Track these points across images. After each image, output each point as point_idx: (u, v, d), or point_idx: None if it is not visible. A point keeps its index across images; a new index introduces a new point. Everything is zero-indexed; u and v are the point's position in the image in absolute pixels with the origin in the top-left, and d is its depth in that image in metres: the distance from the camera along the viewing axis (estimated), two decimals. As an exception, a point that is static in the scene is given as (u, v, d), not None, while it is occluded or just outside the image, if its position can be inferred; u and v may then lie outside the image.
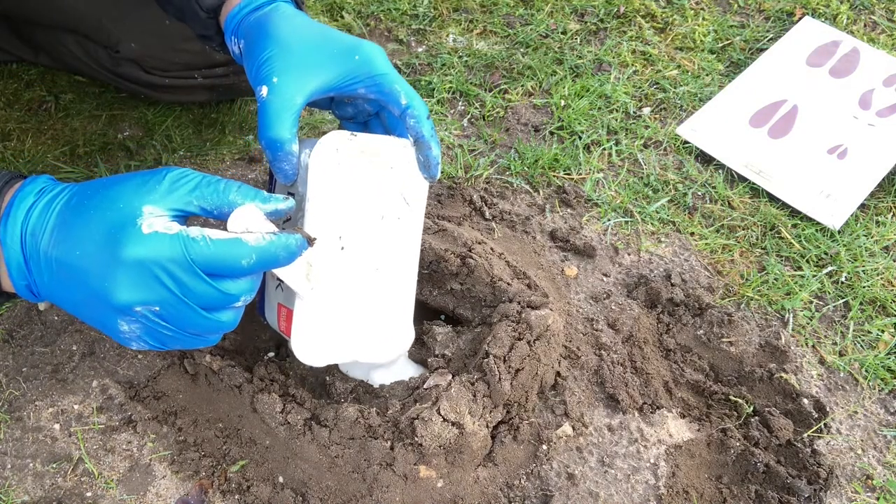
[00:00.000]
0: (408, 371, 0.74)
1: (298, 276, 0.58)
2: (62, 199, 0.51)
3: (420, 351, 0.77)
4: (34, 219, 0.50)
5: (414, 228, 0.67)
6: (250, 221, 0.51)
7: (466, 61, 1.16)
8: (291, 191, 0.64)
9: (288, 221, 0.66)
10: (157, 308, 0.48)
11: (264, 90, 0.57)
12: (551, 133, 1.06)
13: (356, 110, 0.68)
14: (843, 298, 0.90)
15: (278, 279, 0.64)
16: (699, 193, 1.00)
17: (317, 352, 0.64)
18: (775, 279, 0.91)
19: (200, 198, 0.51)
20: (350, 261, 0.63)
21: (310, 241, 0.54)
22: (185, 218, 0.51)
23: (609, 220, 0.96)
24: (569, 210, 0.97)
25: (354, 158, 0.61)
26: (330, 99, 0.68)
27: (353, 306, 0.64)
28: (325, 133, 1.04)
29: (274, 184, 0.69)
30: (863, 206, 0.99)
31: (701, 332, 0.84)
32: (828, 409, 0.79)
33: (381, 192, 0.63)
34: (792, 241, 0.95)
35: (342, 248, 0.62)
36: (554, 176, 1.00)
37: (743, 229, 0.96)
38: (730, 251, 0.94)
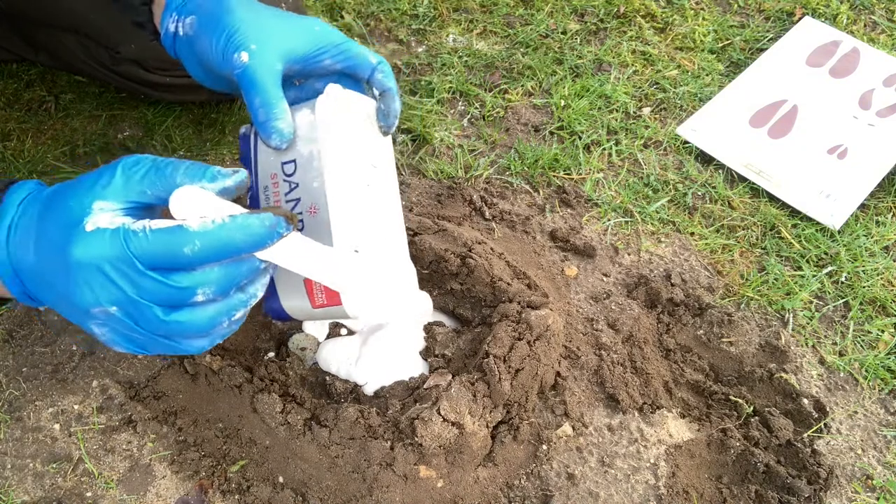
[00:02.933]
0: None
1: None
2: (37, 206, 0.50)
3: (420, 351, 0.78)
4: (18, 228, 0.49)
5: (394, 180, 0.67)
6: (197, 205, 0.46)
7: (466, 61, 1.16)
8: (288, 157, 0.61)
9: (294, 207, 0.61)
10: (114, 309, 0.45)
11: (244, 56, 0.56)
12: (551, 133, 1.06)
13: (300, 94, 0.65)
14: (843, 298, 0.90)
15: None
16: (699, 193, 1.00)
17: (369, 305, 0.60)
18: (775, 279, 0.91)
19: (151, 185, 0.47)
20: (377, 206, 0.62)
21: (291, 220, 0.47)
22: (146, 210, 0.48)
23: (609, 220, 0.96)
24: (569, 210, 0.97)
25: (353, 112, 0.62)
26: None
27: (381, 256, 0.63)
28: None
29: (256, 163, 0.65)
30: (863, 206, 0.99)
31: (701, 332, 0.84)
32: (828, 409, 0.79)
33: (372, 142, 0.65)
34: (792, 241, 0.95)
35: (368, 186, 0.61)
36: (554, 176, 1.00)
37: (743, 229, 0.96)
38: (730, 251, 0.94)
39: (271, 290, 0.65)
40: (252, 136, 0.65)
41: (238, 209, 0.47)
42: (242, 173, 0.49)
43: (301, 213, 0.61)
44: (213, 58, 0.59)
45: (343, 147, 0.60)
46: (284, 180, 0.62)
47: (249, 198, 0.65)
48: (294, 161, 0.61)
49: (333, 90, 0.60)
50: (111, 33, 0.90)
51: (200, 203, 0.46)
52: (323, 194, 0.59)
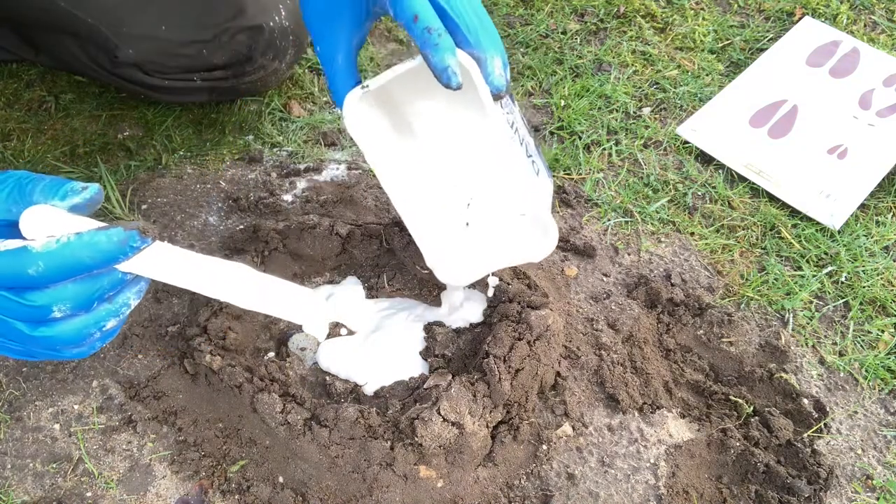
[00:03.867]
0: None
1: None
2: None
3: (420, 351, 0.78)
4: None
5: (488, 122, 0.62)
6: (46, 223, 0.46)
7: (466, 61, 1.16)
8: None
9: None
10: None
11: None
12: (551, 133, 1.06)
13: None
14: (843, 298, 0.90)
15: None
16: (699, 193, 1.00)
17: (458, 268, 0.66)
18: (775, 279, 0.91)
19: (15, 203, 0.47)
20: (442, 183, 0.66)
21: (145, 232, 0.47)
22: (15, 226, 0.48)
23: (609, 220, 0.96)
24: (569, 210, 0.97)
25: (374, 109, 0.64)
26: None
27: (472, 216, 0.67)
28: (325, 132, 1.04)
29: None
30: (863, 206, 0.99)
31: (701, 332, 0.84)
32: (828, 409, 0.79)
33: (425, 113, 0.67)
34: (792, 241, 0.95)
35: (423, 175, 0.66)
36: (554, 176, 1.00)
37: (743, 229, 0.96)
38: (730, 251, 0.94)
39: None
40: None
41: (90, 225, 0.47)
42: (93, 188, 0.49)
43: None
44: None
45: (375, 154, 0.64)
46: None
47: None
48: None
49: (347, 104, 0.62)
50: (108, 38, 0.91)
51: (50, 222, 0.46)
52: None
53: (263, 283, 0.55)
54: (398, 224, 0.84)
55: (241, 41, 0.93)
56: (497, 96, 0.58)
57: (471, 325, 0.80)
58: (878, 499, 0.74)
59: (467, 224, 0.68)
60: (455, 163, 0.67)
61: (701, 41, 1.21)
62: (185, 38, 0.91)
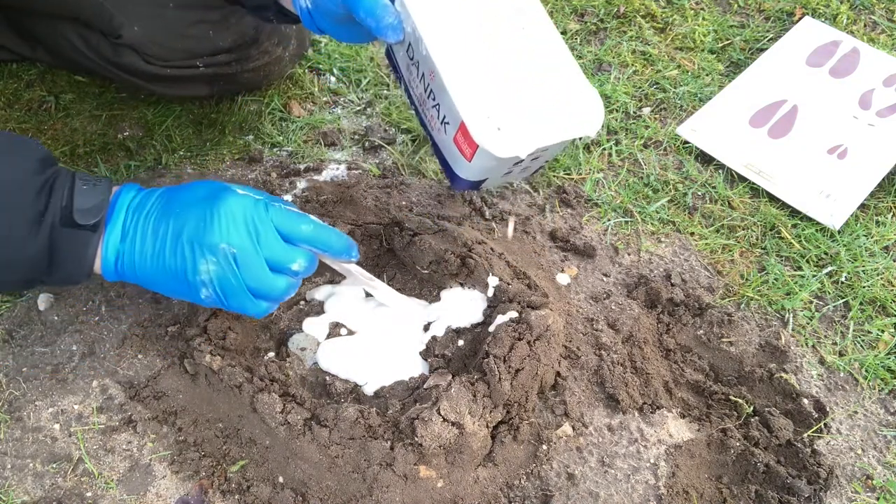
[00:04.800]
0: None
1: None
2: (162, 191, 0.64)
3: (420, 351, 0.78)
4: (140, 196, 0.63)
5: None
6: None
7: (466, 61, 1.16)
8: (405, 44, 0.65)
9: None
10: (235, 251, 0.60)
11: None
12: (551, 133, 1.06)
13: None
14: (843, 298, 0.90)
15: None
16: (699, 193, 1.00)
17: (506, 139, 0.62)
18: (775, 279, 0.91)
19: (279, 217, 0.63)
20: (492, 55, 0.64)
21: (354, 255, 0.69)
22: None
23: (609, 220, 0.96)
24: (569, 210, 0.97)
25: None
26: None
27: (520, 83, 0.64)
28: (325, 132, 1.04)
29: (398, 68, 0.71)
30: (863, 206, 0.99)
31: (701, 332, 0.84)
32: (828, 409, 0.79)
33: None
34: (792, 241, 0.95)
35: (475, 41, 0.64)
36: (554, 176, 1.00)
37: (743, 229, 0.96)
38: (730, 251, 0.94)
39: (449, 170, 0.72)
40: (386, 48, 0.71)
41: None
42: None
43: (429, 85, 0.66)
44: (331, 7, 0.65)
45: (432, 6, 0.63)
46: (410, 66, 0.68)
47: (408, 98, 0.73)
48: (409, 43, 0.65)
49: None
50: (113, 15, 0.88)
51: None
52: (430, 57, 0.63)
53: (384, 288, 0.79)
54: (398, 224, 0.84)
55: (249, 23, 0.93)
56: None
57: (471, 325, 0.80)
58: (878, 499, 0.74)
59: (513, 92, 0.64)
60: (497, 35, 0.65)
61: (701, 41, 1.21)
62: (193, 17, 0.90)
